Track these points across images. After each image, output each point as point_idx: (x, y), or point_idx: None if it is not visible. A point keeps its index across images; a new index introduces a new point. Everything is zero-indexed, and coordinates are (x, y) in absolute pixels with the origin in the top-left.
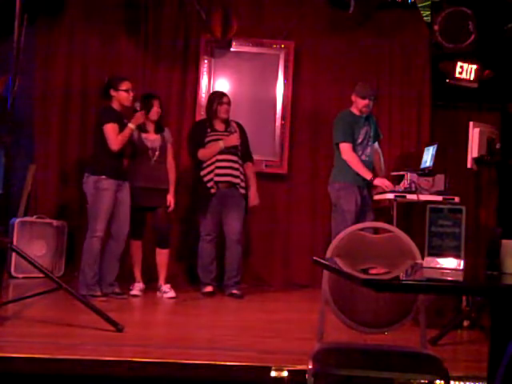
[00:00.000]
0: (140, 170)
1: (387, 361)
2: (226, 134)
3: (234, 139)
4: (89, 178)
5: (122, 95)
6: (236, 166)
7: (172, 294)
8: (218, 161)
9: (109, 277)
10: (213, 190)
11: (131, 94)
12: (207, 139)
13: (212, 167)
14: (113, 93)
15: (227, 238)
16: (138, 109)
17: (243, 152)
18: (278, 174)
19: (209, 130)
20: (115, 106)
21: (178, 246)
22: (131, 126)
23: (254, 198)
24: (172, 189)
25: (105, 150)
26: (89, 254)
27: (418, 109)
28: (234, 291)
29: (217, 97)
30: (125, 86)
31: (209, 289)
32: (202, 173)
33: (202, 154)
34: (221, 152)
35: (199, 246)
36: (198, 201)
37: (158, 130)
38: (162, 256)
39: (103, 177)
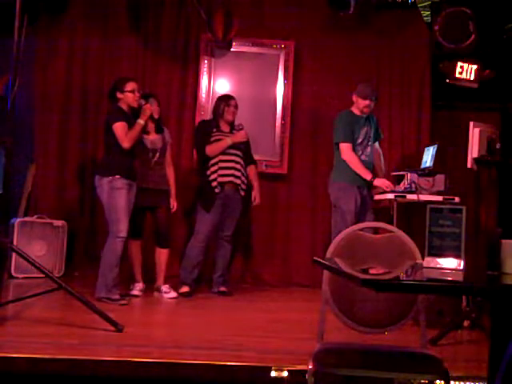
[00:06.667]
0: (140, 170)
1: (387, 361)
2: (231, 135)
3: (242, 135)
4: (102, 180)
5: (128, 96)
6: (238, 166)
7: (172, 294)
8: (221, 161)
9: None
10: (217, 190)
11: (137, 95)
12: (213, 138)
13: (216, 167)
14: (119, 95)
15: (220, 236)
16: (143, 103)
17: (246, 155)
18: (278, 174)
19: (214, 130)
20: (124, 107)
21: (179, 246)
22: (140, 121)
23: (256, 198)
24: (174, 191)
25: (116, 151)
26: (112, 255)
27: (418, 109)
28: (222, 289)
29: (225, 99)
30: (130, 86)
31: (185, 289)
32: (207, 172)
33: (209, 149)
34: (224, 153)
35: (189, 245)
36: (202, 200)
37: (158, 130)
38: (162, 255)
39: (117, 176)
